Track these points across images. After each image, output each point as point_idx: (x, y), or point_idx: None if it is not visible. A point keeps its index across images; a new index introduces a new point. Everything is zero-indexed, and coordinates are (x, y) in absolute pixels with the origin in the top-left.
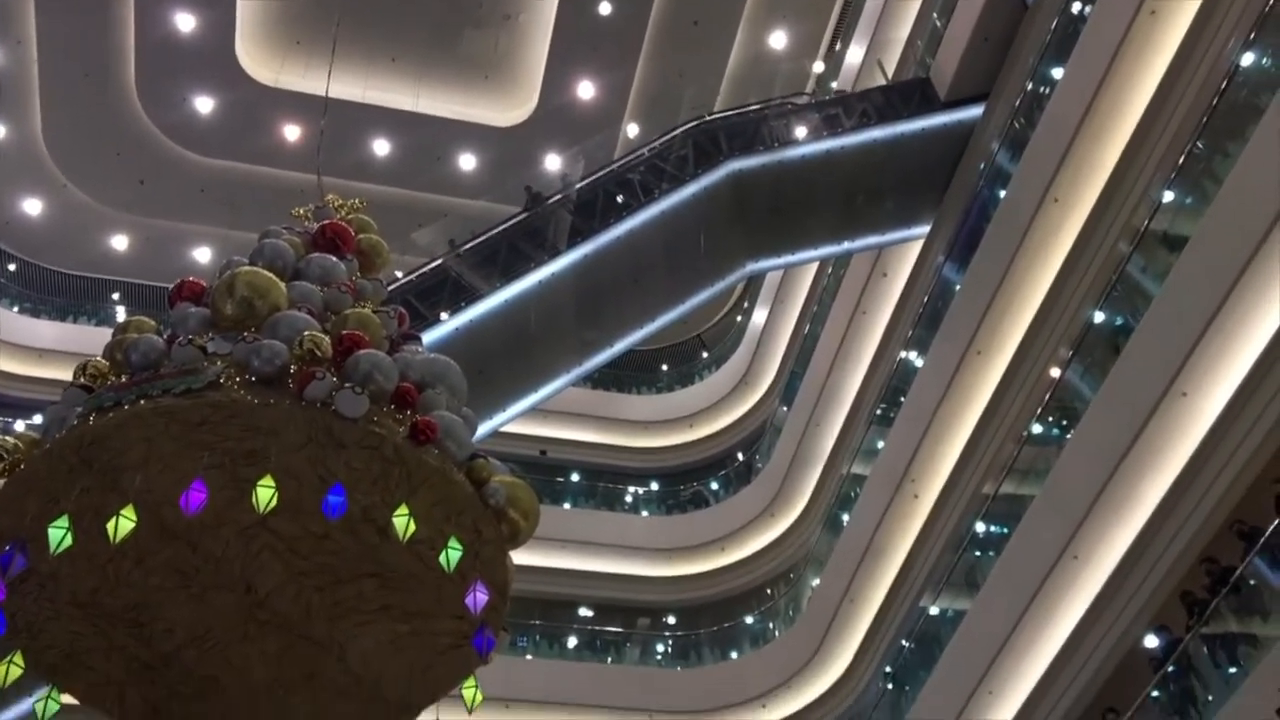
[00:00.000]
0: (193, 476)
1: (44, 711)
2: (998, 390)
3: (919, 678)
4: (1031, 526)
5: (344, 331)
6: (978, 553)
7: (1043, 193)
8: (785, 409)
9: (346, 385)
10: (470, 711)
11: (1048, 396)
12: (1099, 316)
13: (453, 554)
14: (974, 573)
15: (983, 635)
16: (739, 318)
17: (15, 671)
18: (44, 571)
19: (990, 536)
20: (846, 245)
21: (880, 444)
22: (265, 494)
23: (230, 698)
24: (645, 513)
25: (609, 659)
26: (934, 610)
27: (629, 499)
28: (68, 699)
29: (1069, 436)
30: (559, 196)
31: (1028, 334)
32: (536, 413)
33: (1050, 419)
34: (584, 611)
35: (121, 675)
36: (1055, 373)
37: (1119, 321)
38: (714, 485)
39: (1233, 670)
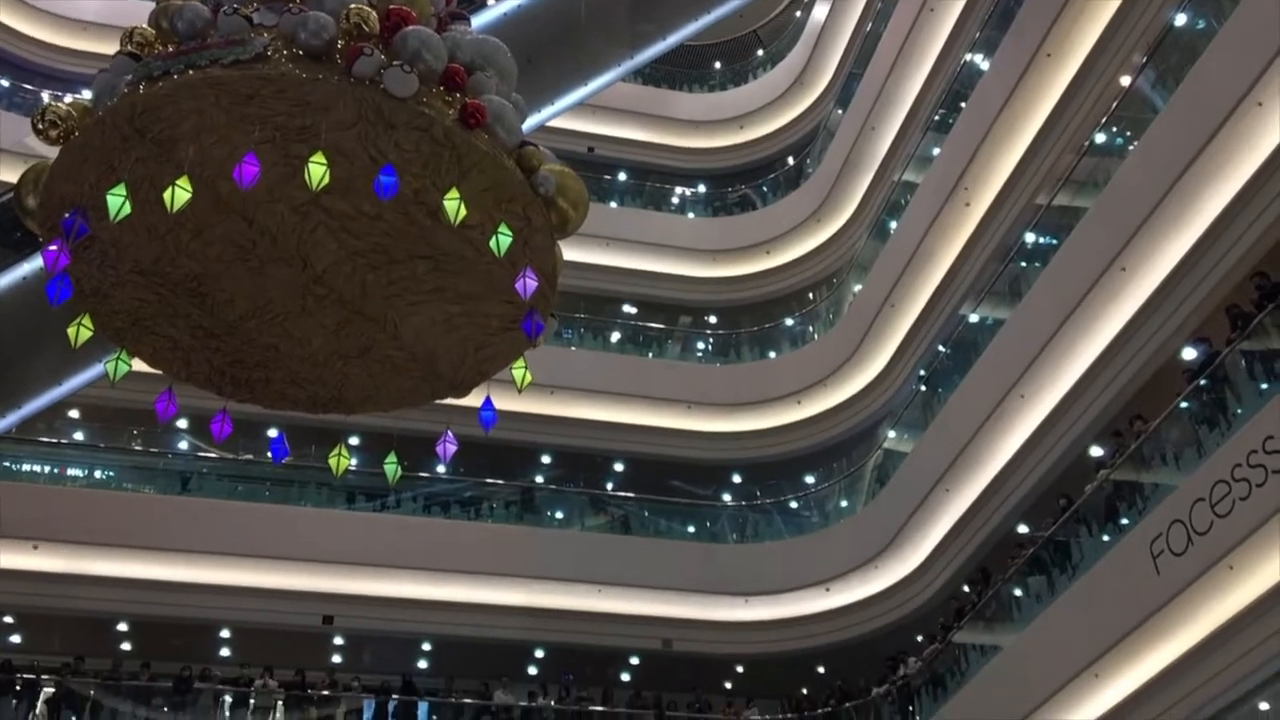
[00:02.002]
0: (245, 150)
1: (114, 371)
2: (1064, 96)
3: (952, 381)
4: (1082, 237)
5: (391, 7)
6: (1024, 263)
7: None
8: (840, 112)
9: (395, 63)
10: (519, 391)
11: (1115, 105)
12: (1180, 19)
13: (502, 239)
14: (1018, 283)
15: (1021, 342)
16: (798, 13)
17: (85, 334)
18: (105, 239)
19: (1039, 247)
20: None
21: (935, 151)
22: (318, 170)
23: (291, 367)
24: (691, 214)
25: (650, 354)
26: (974, 318)
27: (675, 200)
28: (138, 365)
29: (1132, 147)
30: None
31: (1102, 36)
32: (584, 108)
33: (1114, 129)
34: (628, 308)
35: (187, 341)
36: (1125, 80)
37: (1200, 25)
38: (762, 188)
39: (1264, 385)
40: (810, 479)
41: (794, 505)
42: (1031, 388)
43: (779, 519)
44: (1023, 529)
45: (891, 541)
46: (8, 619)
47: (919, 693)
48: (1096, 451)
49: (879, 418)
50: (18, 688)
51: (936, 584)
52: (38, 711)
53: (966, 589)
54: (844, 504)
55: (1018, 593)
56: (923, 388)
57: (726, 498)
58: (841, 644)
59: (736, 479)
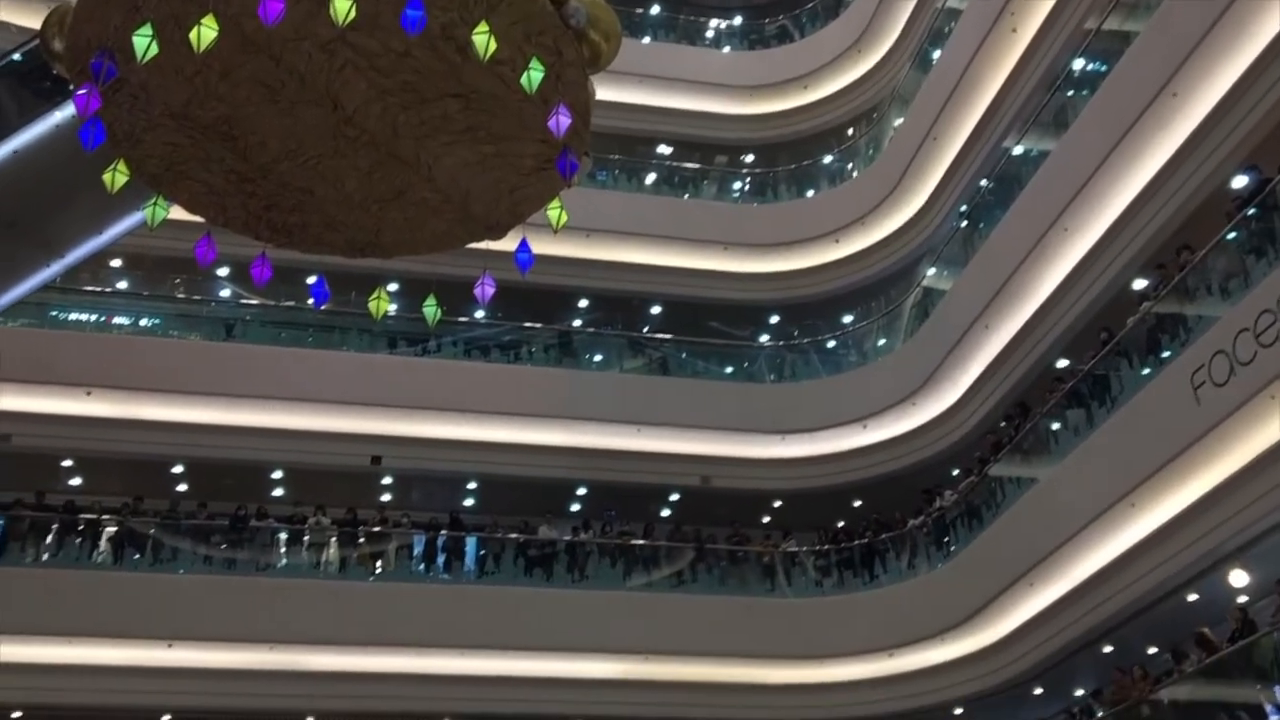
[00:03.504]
0: None
1: (152, 217)
2: None
3: (994, 216)
4: (1132, 63)
5: None
6: (1071, 91)
7: None
8: None
9: None
10: (555, 231)
11: None
12: None
13: (534, 75)
14: (1064, 112)
15: (1065, 174)
16: None
17: (121, 179)
18: (135, 82)
19: (1087, 74)
20: None
21: None
22: (343, 5)
23: (326, 210)
24: (727, 48)
25: (686, 195)
26: (1018, 150)
27: (710, 33)
28: (176, 212)
29: None
30: None
31: None
32: None
33: None
34: (662, 149)
35: (221, 186)
36: None
37: None
38: (800, 19)
39: None
40: (848, 318)
41: (831, 344)
42: (1075, 220)
43: (816, 358)
44: (1062, 363)
45: (929, 378)
46: (67, 463)
47: (954, 524)
48: (1140, 284)
49: (919, 255)
50: (80, 528)
51: (974, 419)
52: (101, 549)
53: (1004, 424)
54: (882, 342)
55: (1055, 426)
56: (964, 223)
57: (764, 338)
58: (878, 478)
59: (774, 319)
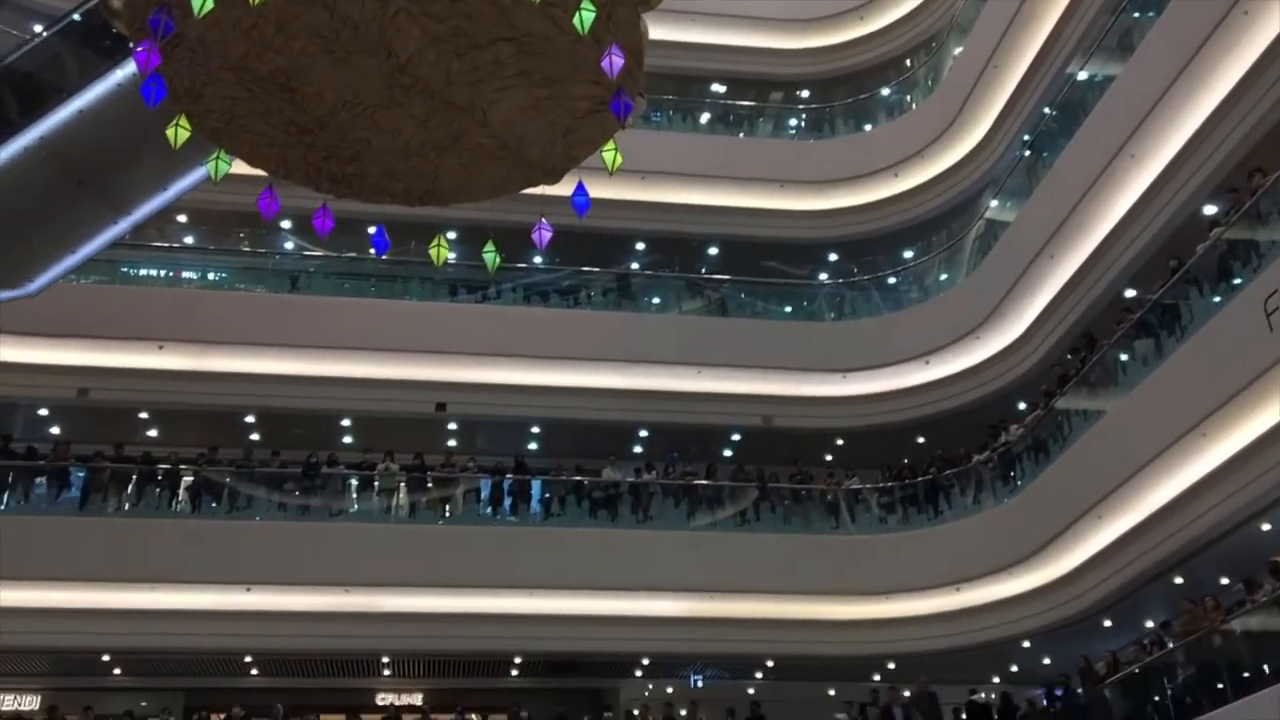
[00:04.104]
0: None
1: (215, 171)
2: None
3: (1058, 145)
4: None
5: None
6: (1137, 13)
7: None
8: None
9: None
10: (610, 174)
11: None
12: None
13: (586, 16)
14: (1130, 35)
15: (1132, 98)
16: None
17: (184, 134)
18: (192, 37)
19: None
20: None
21: None
22: None
23: (384, 160)
24: None
25: (741, 134)
26: (1081, 75)
27: None
28: (238, 166)
29: None
30: None
31: None
32: None
33: None
34: (716, 87)
35: (281, 138)
36: None
37: None
38: None
39: None
40: (909, 254)
41: (892, 281)
42: (1143, 146)
43: (877, 295)
44: (1130, 293)
45: (993, 312)
46: (143, 415)
47: (1020, 458)
48: (1210, 209)
49: (980, 187)
50: (159, 478)
51: (1039, 352)
52: (180, 499)
53: (1070, 356)
54: (944, 277)
55: (1123, 357)
56: (1027, 153)
57: (823, 276)
58: (942, 414)
59: (833, 257)
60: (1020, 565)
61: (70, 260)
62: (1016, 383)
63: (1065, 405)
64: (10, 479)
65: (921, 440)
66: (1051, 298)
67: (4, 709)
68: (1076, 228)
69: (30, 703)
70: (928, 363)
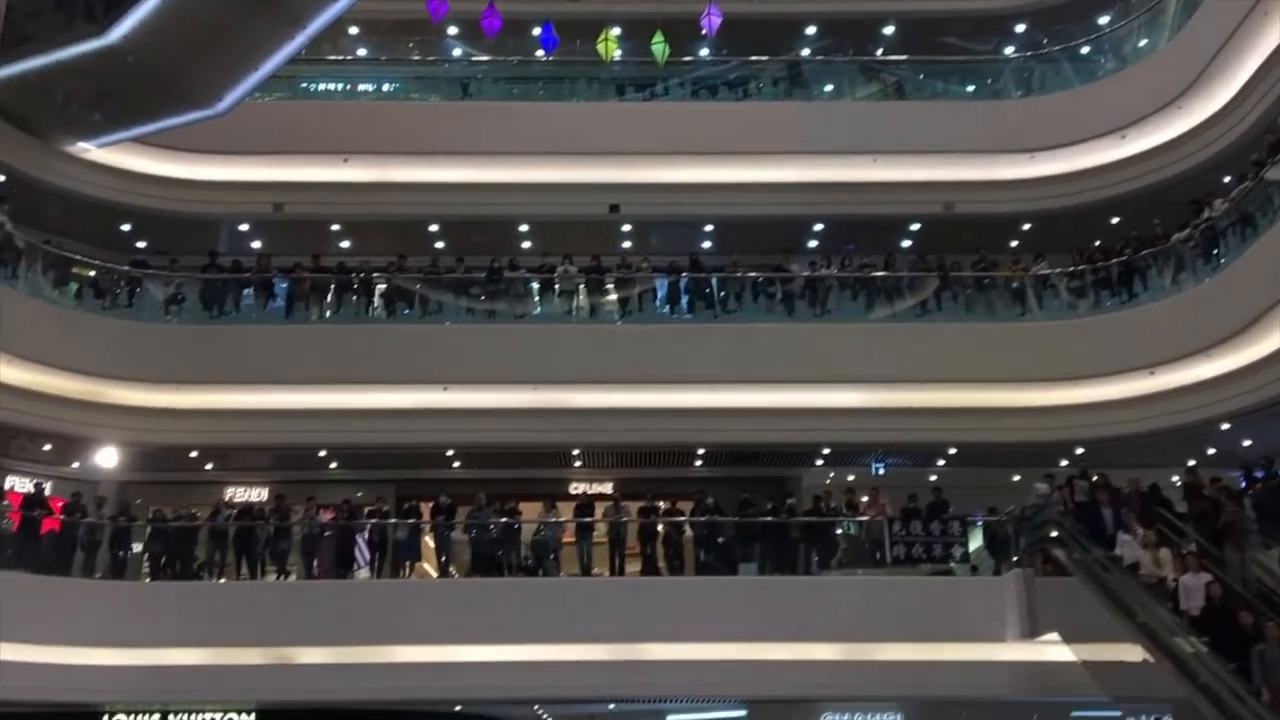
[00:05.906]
0: None
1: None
2: None
3: None
4: None
5: None
6: None
7: None
8: None
9: None
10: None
11: None
12: None
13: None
14: None
15: None
16: None
17: None
18: None
19: None
20: None
21: None
22: None
23: None
24: None
25: None
26: None
27: None
28: None
29: None
30: None
31: None
32: None
33: None
34: None
35: None
36: None
37: None
38: None
39: None
40: (1104, 19)
41: (1085, 51)
42: None
43: (1068, 68)
44: None
45: (1199, 77)
46: (335, 227)
47: (1225, 234)
48: None
49: None
50: (355, 286)
51: (1249, 119)
52: (376, 305)
53: None
54: (1143, 43)
55: None
56: None
57: (1009, 50)
58: (1138, 191)
59: (1019, 28)
60: (1222, 345)
61: (254, 77)
62: (1222, 154)
63: (1277, 176)
64: (221, 291)
65: (1115, 221)
66: (1266, 57)
67: (238, 499)
68: None
69: (260, 494)
70: (1124, 137)
